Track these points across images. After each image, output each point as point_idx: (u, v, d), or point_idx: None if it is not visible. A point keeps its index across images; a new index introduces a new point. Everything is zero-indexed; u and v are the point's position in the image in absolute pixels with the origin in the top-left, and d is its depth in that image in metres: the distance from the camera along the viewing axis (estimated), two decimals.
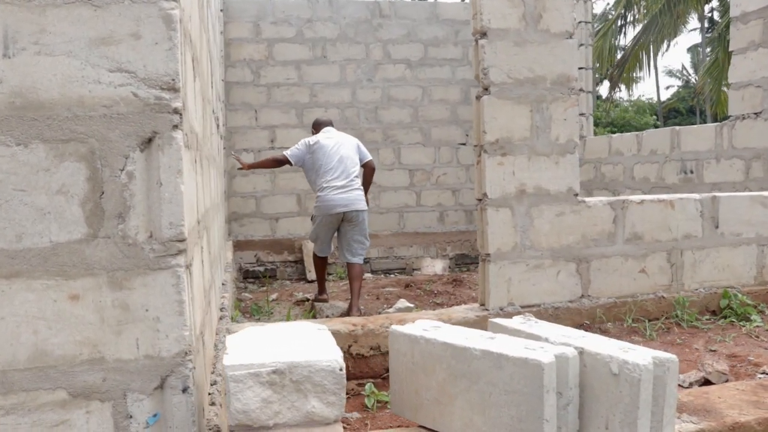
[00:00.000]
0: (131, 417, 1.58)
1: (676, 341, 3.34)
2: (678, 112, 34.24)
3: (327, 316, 5.63)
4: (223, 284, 4.58)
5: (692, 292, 3.89)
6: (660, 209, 3.84)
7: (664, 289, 3.86)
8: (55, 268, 1.53)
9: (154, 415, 1.59)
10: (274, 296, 6.67)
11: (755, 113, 5.47)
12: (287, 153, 5.40)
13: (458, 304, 5.92)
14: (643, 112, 26.33)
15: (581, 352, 1.76)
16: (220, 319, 3.49)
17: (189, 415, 1.59)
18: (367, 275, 7.79)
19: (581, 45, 7.97)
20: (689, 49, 35.91)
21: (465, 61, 9.02)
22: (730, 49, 5.79)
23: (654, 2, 14.49)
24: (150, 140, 1.55)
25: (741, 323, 3.61)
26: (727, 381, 2.47)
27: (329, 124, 5.59)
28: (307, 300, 6.27)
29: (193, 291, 1.81)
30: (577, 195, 3.68)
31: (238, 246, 8.07)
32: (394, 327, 2.03)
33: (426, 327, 2.01)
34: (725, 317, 3.73)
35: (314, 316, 5.51)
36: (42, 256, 1.52)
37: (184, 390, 1.58)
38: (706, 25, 29.44)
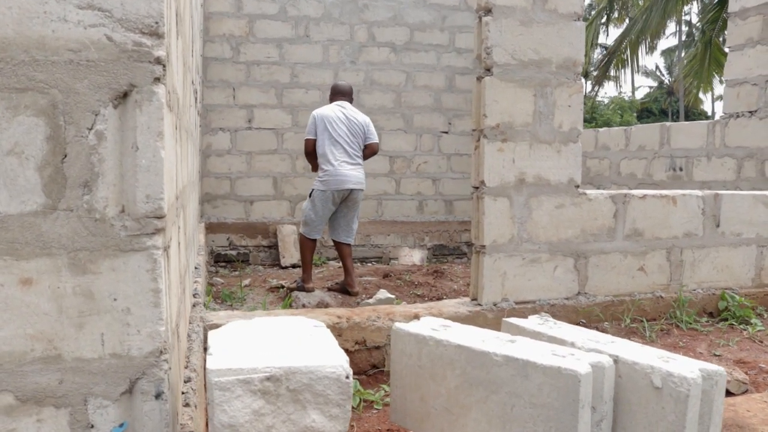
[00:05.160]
0: (92, 427, 1.32)
1: (678, 344, 3.18)
2: (650, 112, 34.63)
3: (303, 305, 5.38)
4: (196, 268, 4.29)
5: (690, 293, 3.74)
6: (662, 205, 3.67)
7: (662, 288, 3.70)
8: (3, 245, 1.25)
9: (120, 425, 1.33)
10: (246, 282, 6.39)
11: (750, 111, 5.36)
12: (307, 137, 5.12)
13: (439, 297, 5.72)
14: (625, 111, 26.66)
15: (616, 361, 1.55)
16: (194, 306, 3.21)
17: (162, 426, 1.34)
18: None
19: None
20: (663, 52, 36.35)
21: (451, 47, 8.79)
22: (726, 46, 5.66)
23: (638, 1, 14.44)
24: (126, 95, 1.28)
25: (741, 327, 3.47)
26: (746, 391, 2.30)
27: (346, 95, 5.34)
28: (282, 287, 6.01)
29: (170, 277, 1.55)
30: (578, 186, 3.49)
31: (211, 228, 7.75)
32: (398, 325, 1.80)
33: (434, 326, 1.78)
34: (725, 320, 3.59)
35: (290, 305, 5.25)
36: None
37: (158, 396, 1.33)
38: (684, 27, 29.72)
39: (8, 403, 1.28)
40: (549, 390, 1.45)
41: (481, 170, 3.33)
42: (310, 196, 5.18)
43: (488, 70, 3.29)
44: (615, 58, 15.27)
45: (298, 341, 1.43)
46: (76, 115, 1.26)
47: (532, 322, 1.89)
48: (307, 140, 5.12)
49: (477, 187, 3.38)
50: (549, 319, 1.91)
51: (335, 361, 1.30)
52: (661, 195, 3.69)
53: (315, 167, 5.29)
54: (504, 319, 1.92)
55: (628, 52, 14.91)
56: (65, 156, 1.26)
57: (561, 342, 1.70)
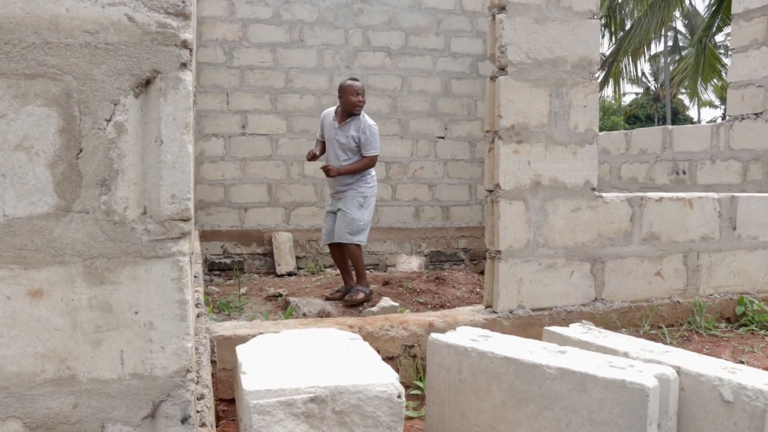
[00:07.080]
0: None
1: (702, 351, 3.07)
2: (637, 118, 34.80)
3: (304, 314, 5.24)
4: (195, 277, 4.14)
5: (707, 298, 3.64)
6: (678, 208, 3.58)
7: (679, 293, 3.60)
8: (10, 252, 1.11)
9: None
10: (243, 290, 6.23)
11: (755, 114, 5.30)
12: (377, 152, 5.21)
13: (443, 304, 5.59)
14: (611, 113, 26.99)
15: (678, 372, 1.43)
16: (198, 316, 3.06)
17: None
18: None
19: None
20: (649, 58, 36.58)
21: (446, 51, 8.71)
22: (730, 47, 5.61)
23: (636, 7, 14.47)
24: (148, 82, 1.14)
25: (763, 333, 3.37)
26: None
27: None
28: (280, 295, 5.86)
29: (189, 288, 1.41)
30: (594, 189, 3.38)
31: (204, 236, 7.58)
32: (435, 336, 1.67)
33: (473, 336, 1.66)
34: (744, 325, 3.49)
35: (290, 314, 5.10)
36: None
37: (184, 420, 1.19)
38: (669, 33, 29.95)
39: None
40: (611, 405, 1.32)
41: (495, 173, 3.21)
42: (361, 205, 5.12)
43: (502, 69, 3.18)
44: (613, 68, 15.32)
45: (336, 356, 1.30)
46: (93, 104, 1.12)
47: (575, 330, 1.76)
48: (377, 156, 5.22)
49: (491, 191, 3.26)
50: (592, 328, 1.79)
51: (385, 378, 1.16)
52: (677, 198, 3.59)
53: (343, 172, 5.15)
54: (545, 328, 1.80)
55: (628, 60, 14.96)
56: (80, 151, 1.12)
57: (613, 352, 1.58)
